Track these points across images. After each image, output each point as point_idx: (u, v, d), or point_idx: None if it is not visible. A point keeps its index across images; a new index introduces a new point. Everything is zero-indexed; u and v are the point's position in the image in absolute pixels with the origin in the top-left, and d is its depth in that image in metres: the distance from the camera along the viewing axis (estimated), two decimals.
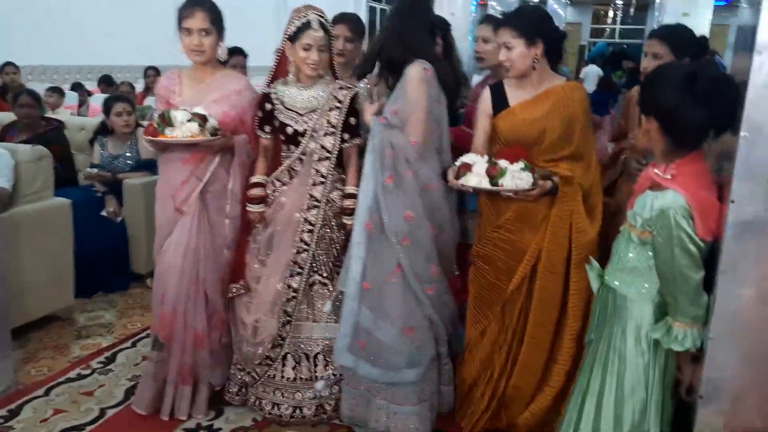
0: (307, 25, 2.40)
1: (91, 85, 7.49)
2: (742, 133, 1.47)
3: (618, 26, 20.35)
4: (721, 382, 1.61)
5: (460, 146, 2.47)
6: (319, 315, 2.60)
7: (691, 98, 1.58)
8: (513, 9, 2.38)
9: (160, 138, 2.40)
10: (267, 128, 2.57)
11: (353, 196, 2.52)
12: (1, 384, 2.82)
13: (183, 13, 2.46)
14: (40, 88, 5.57)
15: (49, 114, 5.23)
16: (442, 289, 2.47)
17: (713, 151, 1.79)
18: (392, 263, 2.34)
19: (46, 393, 2.84)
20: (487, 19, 2.77)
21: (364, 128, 2.52)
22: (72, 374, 3.01)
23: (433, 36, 2.37)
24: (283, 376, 2.61)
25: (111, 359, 3.15)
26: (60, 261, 3.48)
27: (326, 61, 2.50)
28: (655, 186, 1.67)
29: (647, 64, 2.41)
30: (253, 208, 2.57)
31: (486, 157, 2.19)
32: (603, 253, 2.08)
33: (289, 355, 2.61)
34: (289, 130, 2.51)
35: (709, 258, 1.60)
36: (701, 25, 10.04)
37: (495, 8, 10.63)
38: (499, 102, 2.37)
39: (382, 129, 2.33)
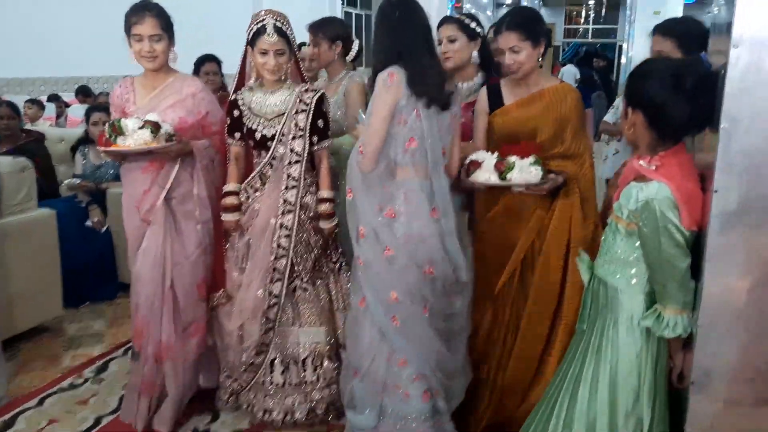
0: (262, 30, 2.38)
1: (68, 97, 7.44)
2: (721, 125, 1.52)
3: (591, 26, 20.60)
4: (711, 367, 1.65)
5: None
6: (303, 320, 2.59)
7: (677, 94, 1.62)
8: (509, 11, 2.42)
9: (113, 148, 2.35)
10: (236, 134, 2.55)
11: (328, 200, 2.54)
12: None
13: (132, 20, 2.41)
14: (17, 100, 5.51)
15: (28, 126, 5.19)
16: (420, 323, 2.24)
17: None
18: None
19: (40, 403, 2.84)
20: (447, 20, 2.70)
21: None
22: (65, 384, 3.00)
23: (427, 42, 2.22)
24: (272, 382, 2.61)
25: (103, 368, 3.15)
26: (47, 272, 3.47)
27: (286, 65, 2.47)
28: (640, 177, 1.71)
29: None
30: (228, 217, 2.55)
31: (496, 154, 2.24)
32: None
33: (276, 361, 2.60)
34: (258, 135, 2.50)
35: (695, 246, 1.66)
36: None
37: (470, 10, 10.74)
38: (496, 101, 2.43)
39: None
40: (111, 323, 3.71)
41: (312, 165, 2.57)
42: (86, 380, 3.04)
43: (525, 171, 2.19)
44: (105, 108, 4.33)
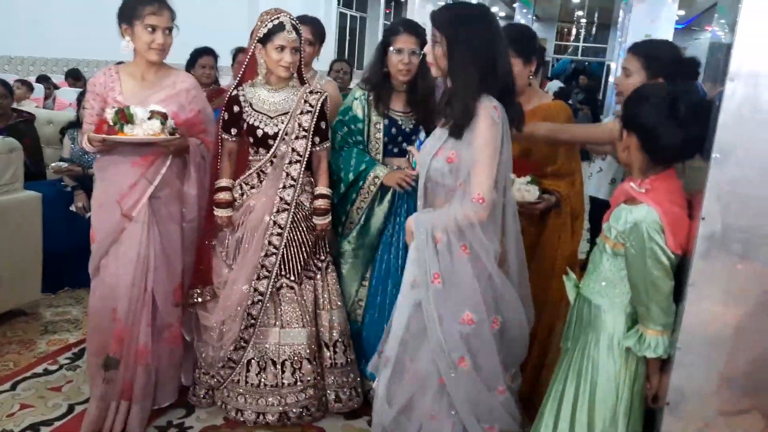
0: (280, 27, 2.40)
1: (57, 78, 7.35)
2: (713, 155, 1.56)
3: (581, 44, 20.84)
4: (686, 390, 1.69)
5: None
6: (285, 320, 2.58)
7: (671, 119, 1.66)
8: (503, 28, 2.45)
9: (119, 136, 2.26)
10: (233, 130, 2.55)
11: (324, 196, 2.58)
12: None
13: (146, 9, 2.33)
14: (5, 78, 5.45)
15: (14, 106, 5.12)
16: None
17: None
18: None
19: (12, 388, 2.81)
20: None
21: None
22: (39, 369, 2.97)
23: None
24: (247, 382, 2.60)
25: (78, 355, 3.11)
26: (28, 255, 3.43)
27: (297, 63, 2.51)
28: (630, 200, 1.75)
29: (619, 79, 2.37)
30: (220, 213, 2.55)
31: None
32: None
33: (253, 361, 2.59)
34: (259, 132, 2.50)
35: (678, 270, 1.70)
36: None
37: None
38: None
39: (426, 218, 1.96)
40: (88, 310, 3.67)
41: (308, 164, 2.59)
42: (61, 367, 3.02)
43: (522, 189, 2.22)
44: None
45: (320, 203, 2.58)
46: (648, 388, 1.79)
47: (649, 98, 1.74)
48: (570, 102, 9.19)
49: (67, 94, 6.63)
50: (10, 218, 3.31)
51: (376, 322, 2.67)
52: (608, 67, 17.71)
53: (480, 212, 1.84)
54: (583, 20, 20.22)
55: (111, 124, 2.27)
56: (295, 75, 2.57)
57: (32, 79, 6.74)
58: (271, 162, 2.53)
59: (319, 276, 2.66)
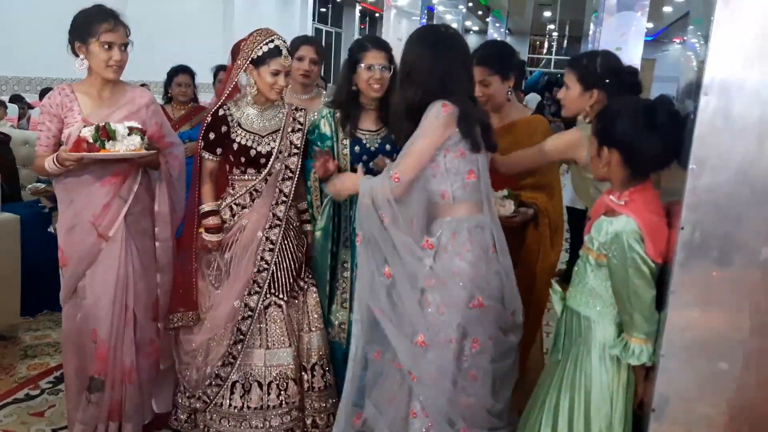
0: (277, 52, 2.41)
1: (31, 98, 7.27)
2: (690, 166, 1.61)
3: (553, 56, 21.16)
4: (670, 395, 1.73)
5: None
6: (272, 341, 2.55)
7: (652, 132, 1.73)
8: (481, 45, 2.50)
9: (102, 153, 2.22)
10: (218, 150, 2.52)
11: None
12: None
13: (102, 26, 2.28)
14: None
15: None
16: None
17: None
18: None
19: None
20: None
21: None
22: (20, 395, 2.94)
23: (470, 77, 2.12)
24: (230, 404, 2.54)
25: (60, 379, 3.06)
26: (6, 278, 3.39)
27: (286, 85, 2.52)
28: (610, 212, 1.80)
29: (560, 93, 2.35)
30: (211, 238, 2.51)
31: None
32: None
33: (237, 384, 2.54)
34: (253, 152, 2.49)
35: (660, 279, 1.74)
36: (633, 58, 10.62)
37: None
38: None
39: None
40: None
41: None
42: (43, 391, 2.98)
43: (498, 203, 2.24)
44: None
45: (308, 215, 2.67)
46: (636, 395, 1.83)
47: (625, 113, 1.79)
48: (543, 115, 9.31)
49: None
50: None
51: None
52: None
53: (394, 190, 1.99)
54: (555, 33, 20.56)
55: (91, 141, 2.22)
56: None
57: (5, 98, 6.66)
58: (266, 180, 2.54)
59: (301, 296, 2.63)
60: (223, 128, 2.49)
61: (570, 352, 1.90)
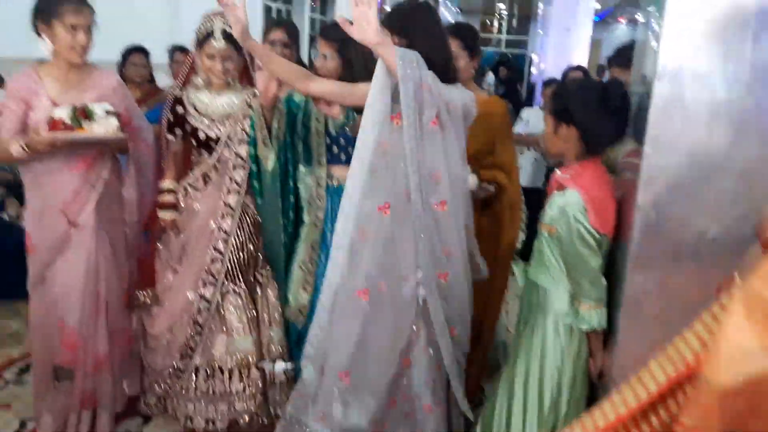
0: (210, 35, 2.37)
1: None
2: (645, 148, 1.71)
3: (504, 36, 21.32)
4: (631, 367, 1.84)
5: None
6: (232, 327, 2.53)
7: (606, 111, 1.86)
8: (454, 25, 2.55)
9: (83, 134, 2.18)
10: (177, 131, 2.52)
11: None
12: None
13: (66, 8, 2.19)
14: None
15: None
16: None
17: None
18: None
19: None
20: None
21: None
22: None
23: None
24: (196, 388, 2.55)
25: (25, 370, 3.03)
26: None
27: (234, 70, 2.48)
28: (560, 187, 1.93)
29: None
30: (165, 215, 2.52)
31: None
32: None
33: (201, 368, 2.54)
34: (201, 135, 2.48)
35: (618, 253, 1.85)
36: (582, 39, 10.85)
37: None
38: None
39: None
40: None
41: None
42: (7, 383, 2.94)
43: None
44: None
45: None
46: (592, 364, 1.94)
47: (586, 92, 1.93)
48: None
49: None
50: None
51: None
52: (531, 59, 18.25)
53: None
54: (505, 12, 20.70)
55: (68, 122, 2.18)
56: (236, 78, 2.53)
57: None
58: (215, 167, 2.50)
59: (258, 290, 2.62)
60: (180, 110, 2.50)
61: (528, 322, 2.02)
